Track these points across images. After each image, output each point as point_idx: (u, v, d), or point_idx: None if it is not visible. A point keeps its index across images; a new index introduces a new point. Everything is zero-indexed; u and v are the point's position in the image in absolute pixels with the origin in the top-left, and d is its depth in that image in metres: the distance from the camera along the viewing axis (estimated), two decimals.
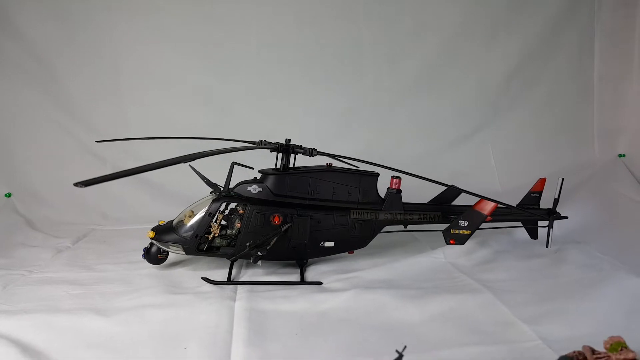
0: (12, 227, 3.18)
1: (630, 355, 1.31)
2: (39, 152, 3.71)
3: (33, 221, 3.34)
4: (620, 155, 3.88)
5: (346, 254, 2.51)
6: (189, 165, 2.20)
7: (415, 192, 2.60)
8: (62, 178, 3.63)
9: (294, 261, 2.43)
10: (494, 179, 3.94)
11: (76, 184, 1.57)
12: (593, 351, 1.37)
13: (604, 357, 1.33)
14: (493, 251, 2.61)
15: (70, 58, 3.67)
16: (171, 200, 3.50)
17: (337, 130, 3.91)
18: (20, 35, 3.59)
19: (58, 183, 3.60)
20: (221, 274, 2.30)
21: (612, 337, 1.38)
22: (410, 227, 2.54)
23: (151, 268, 2.40)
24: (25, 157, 3.71)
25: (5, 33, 3.57)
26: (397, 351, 1.21)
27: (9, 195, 3.55)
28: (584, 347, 1.40)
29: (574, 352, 1.40)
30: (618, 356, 1.31)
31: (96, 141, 3.03)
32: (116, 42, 3.71)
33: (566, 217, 2.62)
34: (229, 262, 2.35)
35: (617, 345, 1.33)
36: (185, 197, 3.31)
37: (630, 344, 1.39)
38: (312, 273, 2.37)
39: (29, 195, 3.60)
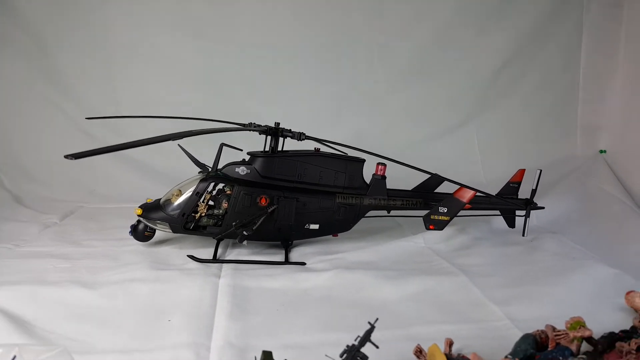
0: None
1: (587, 333, 1.40)
2: (28, 127, 3.72)
3: (21, 196, 3.37)
4: (601, 151, 3.96)
5: (330, 236, 2.58)
6: (178, 144, 2.24)
7: (402, 180, 2.66)
8: (50, 154, 3.65)
9: (279, 242, 2.49)
10: (478, 169, 4.01)
11: (67, 156, 1.62)
12: (554, 329, 1.45)
13: (563, 334, 1.41)
14: (471, 238, 2.70)
15: (60, 32, 3.67)
16: (159, 179, 3.54)
17: (326, 116, 3.95)
18: (10, 9, 3.58)
19: (47, 159, 3.63)
20: (207, 253, 2.36)
21: (573, 317, 1.46)
22: (393, 212, 2.62)
23: (137, 245, 2.45)
24: (14, 132, 3.71)
25: None
26: (369, 322, 1.27)
27: None
28: (546, 325, 1.48)
29: (537, 330, 1.48)
30: (575, 333, 1.39)
31: (86, 118, 3.05)
32: (108, 17, 3.70)
33: (542, 208, 2.71)
34: (214, 242, 2.41)
35: (576, 324, 1.42)
36: (172, 177, 3.36)
37: (592, 325, 1.47)
38: (296, 254, 2.44)
39: (17, 170, 3.61)
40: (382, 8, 3.89)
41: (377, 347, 1.25)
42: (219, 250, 2.38)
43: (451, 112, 4.12)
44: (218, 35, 3.81)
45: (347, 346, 1.26)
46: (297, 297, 1.94)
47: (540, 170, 2.64)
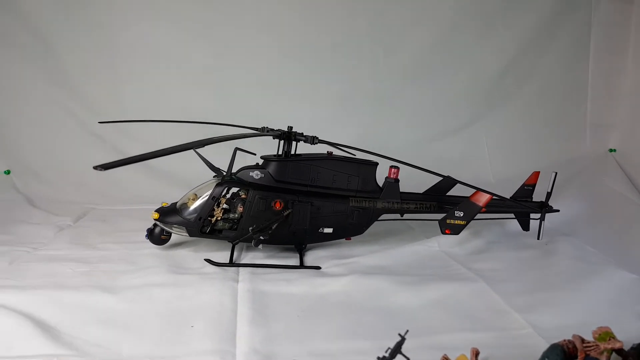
0: (12, 204, 3.20)
1: (618, 345, 1.40)
2: (37, 129, 3.71)
3: (32, 199, 3.36)
4: (611, 150, 3.96)
5: (343, 240, 2.58)
6: (194, 149, 2.23)
7: (411, 182, 2.66)
8: (60, 156, 3.67)
9: (293, 246, 2.49)
10: (487, 170, 4.00)
11: (96, 167, 1.62)
12: (583, 340, 1.45)
13: (593, 346, 1.41)
14: (486, 241, 2.70)
15: (69, 36, 3.65)
16: (167, 182, 3.56)
17: (333, 118, 3.93)
18: (19, 12, 3.57)
19: (56, 161, 3.64)
20: (222, 256, 2.36)
21: (601, 327, 1.46)
22: (406, 216, 2.61)
23: (153, 248, 2.45)
24: (23, 134, 3.70)
25: (3, 11, 3.54)
26: (399, 334, 1.28)
27: (8, 172, 3.56)
28: (574, 336, 1.48)
29: (564, 340, 1.48)
30: (606, 345, 1.39)
31: (99, 122, 3.04)
32: (116, 20, 3.68)
33: (558, 211, 2.71)
34: (228, 245, 2.41)
35: (606, 335, 1.41)
36: (180, 178, 3.40)
37: (617, 334, 1.47)
38: (310, 258, 2.44)
39: (27, 172, 3.61)
40: (387, 9, 3.87)
41: (407, 359, 1.26)
42: (234, 254, 2.38)
43: (458, 112, 4.11)
44: (224, 38, 3.79)
45: (378, 358, 1.26)
46: (316, 303, 1.95)
47: (556, 173, 2.64)
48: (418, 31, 3.93)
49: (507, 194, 2.72)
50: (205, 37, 3.78)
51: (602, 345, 1.39)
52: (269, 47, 3.85)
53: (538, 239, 2.61)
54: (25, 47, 3.61)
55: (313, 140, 2.35)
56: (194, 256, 2.38)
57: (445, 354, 1.45)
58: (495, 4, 3.91)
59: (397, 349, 1.26)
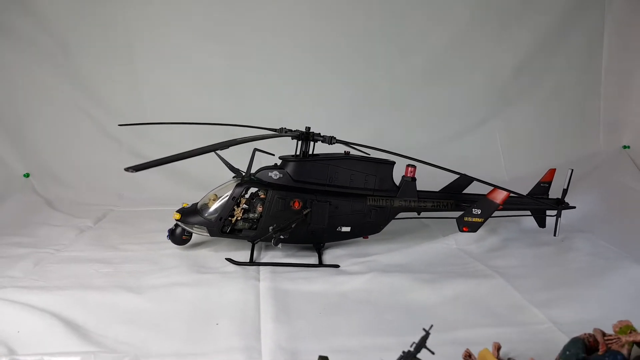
0: (32, 207, 3.26)
1: (639, 338, 1.41)
2: (56, 132, 3.78)
3: (51, 201, 3.42)
4: (624, 147, 3.96)
5: (361, 238, 2.61)
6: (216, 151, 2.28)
7: (426, 181, 2.67)
8: (78, 159, 3.73)
9: (311, 244, 2.53)
10: (501, 167, 4.02)
11: (127, 169, 1.67)
12: (604, 334, 1.47)
13: (615, 339, 1.42)
14: (502, 239, 2.71)
15: (87, 40, 3.71)
16: (183, 182, 3.62)
17: (348, 118, 3.97)
18: (39, 16, 3.63)
19: (74, 164, 3.71)
20: (241, 255, 2.41)
21: (621, 321, 1.47)
22: (422, 214, 2.64)
23: (174, 248, 2.50)
24: (42, 137, 3.77)
25: (21, 13, 3.60)
26: (424, 329, 1.30)
27: (27, 175, 3.63)
28: (594, 329, 1.50)
29: (585, 334, 1.49)
30: (627, 338, 1.40)
31: (118, 125, 3.09)
32: (133, 24, 3.74)
33: (574, 207, 2.72)
34: (247, 244, 2.45)
35: (627, 329, 1.43)
36: (197, 181, 3.46)
37: (636, 328, 1.49)
38: (328, 256, 2.47)
39: (46, 175, 3.68)
40: (402, 9, 3.90)
41: (432, 353, 1.28)
42: (254, 253, 2.42)
43: (472, 111, 4.13)
44: (240, 40, 3.83)
45: (403, 352, 1.29)
46: (337, 301, 1.98)
47: (572, 170, 2.65)
48: (433, 32, 3.95)
49: (521, 192, 2.73)
50: (222, 39, 3.82)
51: (624, 338, 1.40)
52: (286, 49, 3.89)
53: (554, 235, 2.62)
54: (44, 50, 3.67)
55: (331, 140, 2.39)
56: (215, 256, 2.42)
57: (468, 349, 1.48)
58: (508, 5, 3.93)
59: (422, 343, 1.28)
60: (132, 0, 3.70)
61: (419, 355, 1.29)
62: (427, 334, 1.30)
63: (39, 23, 3.63)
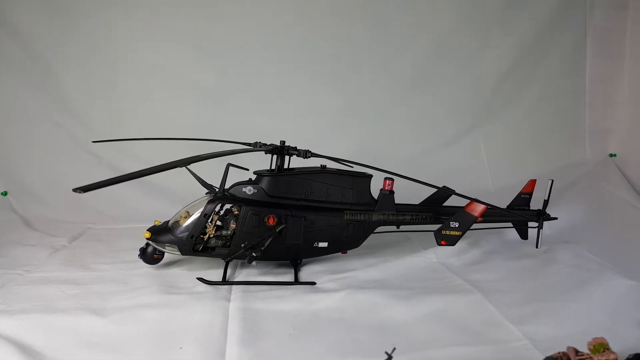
0: (8, 226, 3.18)
1: (612, 357, 1.36)
2: (35, 149, 3.71)
3: (29, 219, 3.35)
4: (611, 155, 3.92)
5: (339, 254, 2.55)
6: (186, 167, 2.22)
7: (408, 193, 2.63)
8: (58, 176, 3.65)
9: (288, 261, 2.46)
10: (486, 177, 3.98)
11: (75, 190, 1.61)
12: (577, 352, 1.41)
13: (587, 358, 1.37)
14: (483, 251, 2.66)
15: (66, 54, 3.67)
16: (165, 199, 3.54)
17: (330, 129, 3.93)
18: (15, 31, 3.59)
19: (54, 181, 3.62)
20: (216, 274, 2.34)
21: (596, 338, 1.42)
22: (403, 227, 2.58)
23: (147, 268, 2.43)
24: (21, 154, 3.71)
25: (1, 29, 3.57)
26: (386, 352, 1.24)
27: (5, 193, 3.56)
28: (568, 348, 1.44)
29: (559, 352, 1.44)
30: (600, 357, 1.35)
31: (93, 141, 3.04)
32: (113, 38, 3.70)
33: (556, 218, 2.67)
34: (223, 263, 2.38)
35: (600, 347, 1.38)
36: (179, 197, 3.36)
37: (613, 343, 1.43)
38: (305, 273, 2.41)
39: (25, 193, 3.60)
40: (385, 19, 3.88)
41: None
42: (229, 271, 2.36)
43: (457, 121, 4.10)
44: (221, 52, 3.81)
45: None
46: (309, 320, 1.91)
47: (552, 181, 2.61)
48: (415, 42, 3.93)
49: (507, 202, 2.70)
50: (202, 53, 3.79)
51: (596, 358, 1.35)
52: (268, 61, 3.85)
53: (537, 247, 2.57)
54: (20, 65, 3.62)
55: (306, 154, 2.34)
56: (187, 275, 2.36)
57: None
58: (490, 15, 3.91)
59: None
60: (115, 17, 3.68)
61: None
62: (390, 358, 1.24)
63: (16, 38, 3.59)
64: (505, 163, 3.98)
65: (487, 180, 3.94)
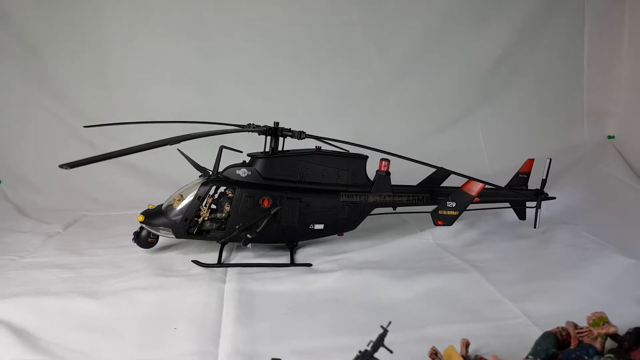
0: (2, 214, 3.17)
1: (612, 330, 1.34)
2: (28, 138, 3.69)
3: (23, 207, 3.33)
4: (609, 137, 3.89)
5: (336, 236, 2.52)
6: (178, 149, 2.19)
7: (407, 175, 2.60)
8: (51, 164, 3.58)
9: (284, 244, 2.44)
10: (484, 160, 3.94)
11: (61, 166, 1.58)
12: (576, 326, 1.39)
13: (587, 332, 1.35)
14: (481, 232, 2.64)
15: (56, 42, 3.63)
16: (160, 184, 3.48)
17: (326, 114, 3.89)
18: (6, 19, 3.54)
19: (48, 169, 3.56)
20: (211, 257, 2.32)
21: (595, 312, 1.40)
22: (399, 209, 2.56)
23: (142, 252, 2.41)
24: (14, 143, 3.68)
25: None
26: (382, 327, 1.22)
27: None
28: (567, 322, 1.42)
29: (557, 328, 1.42)
30: (600, 330, 1.33)
31: (84, 126, 3.01)
32: (102, 24, 3.66)
33: (554, 198, 2.65)
34: (219, 245, 2.36)
35: (600, 321, 1.35)
36: (174, 181, 3.30)
37: (612, 319, 1.41)
38: (302, 255, 2.39)
39: (19, 181, 3.58)
40: (379, 4, 3.82)
41: (391, 351, 1.20)
42: (224, 254, 2.34)
43: (454, 104, 4.06)
44: (214, 35, 3.76)
45: (360, 352, 1.21)
46: (304, 300, 1.90)
47: (550, 159, 2.58)
48: (410, 25, 3.87)
49: (504, 184, 2.67)
50: (194, 38, 3.74)
51: (596, 331, 1.33)
52: (262, 45, 3.80)
53: (535, 227, 2.54)
54: (11, 53, 3.58)
55: (300, 135, 2.30)
56: (182, 258, 2.34)
57: (434, 347, 1.40)
58: None
59: (379, 341, 1.20)
60: (104, 4, 3.62)
61: (377, 355, 1.21)
62: (385, 331, 1.22)
63: (6, 25, 3.54)
64: (503, 146, 3.94)
65: (484, 164, 3.90)
